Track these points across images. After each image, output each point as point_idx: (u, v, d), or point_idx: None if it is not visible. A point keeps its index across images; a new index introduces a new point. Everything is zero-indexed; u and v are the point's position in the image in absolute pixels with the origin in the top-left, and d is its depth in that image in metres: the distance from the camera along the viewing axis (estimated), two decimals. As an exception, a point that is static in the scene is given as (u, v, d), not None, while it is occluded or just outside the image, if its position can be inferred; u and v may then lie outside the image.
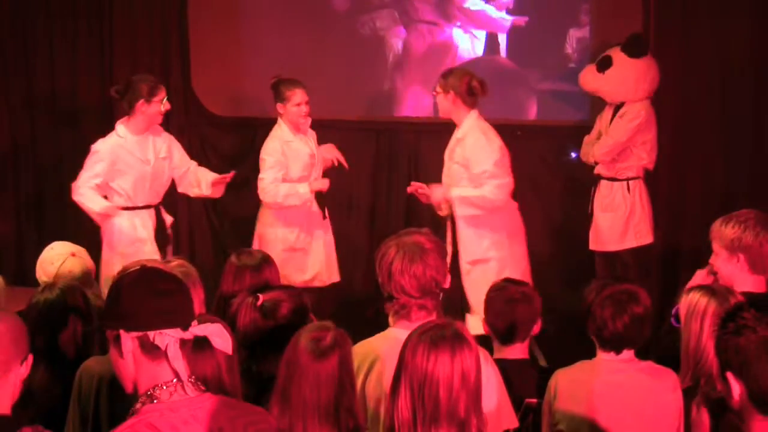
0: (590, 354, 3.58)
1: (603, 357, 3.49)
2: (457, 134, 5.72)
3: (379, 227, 7.33)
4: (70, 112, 7.61)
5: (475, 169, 5.61)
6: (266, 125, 6.16)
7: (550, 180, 7.21)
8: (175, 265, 3.83)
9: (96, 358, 3.56)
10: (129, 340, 2.29)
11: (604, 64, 6.29)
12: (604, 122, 6.41)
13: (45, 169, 7.67)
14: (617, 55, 6.27)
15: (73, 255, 4.61)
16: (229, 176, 5.98)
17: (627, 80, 6.24)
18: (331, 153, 6.22)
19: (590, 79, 6.38)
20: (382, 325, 3.97)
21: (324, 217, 6.21)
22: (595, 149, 6.29)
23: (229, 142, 7.66)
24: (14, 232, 7.65)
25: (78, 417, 3.46)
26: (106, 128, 7.52)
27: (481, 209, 5.65)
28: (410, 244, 3.14)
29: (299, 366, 2.82)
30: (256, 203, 6.19)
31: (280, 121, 6.05)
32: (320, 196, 6.13)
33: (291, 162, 6.00)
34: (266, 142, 6.05)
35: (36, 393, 3.48)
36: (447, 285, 3.20)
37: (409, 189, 5.93)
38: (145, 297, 2.30)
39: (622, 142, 6.21)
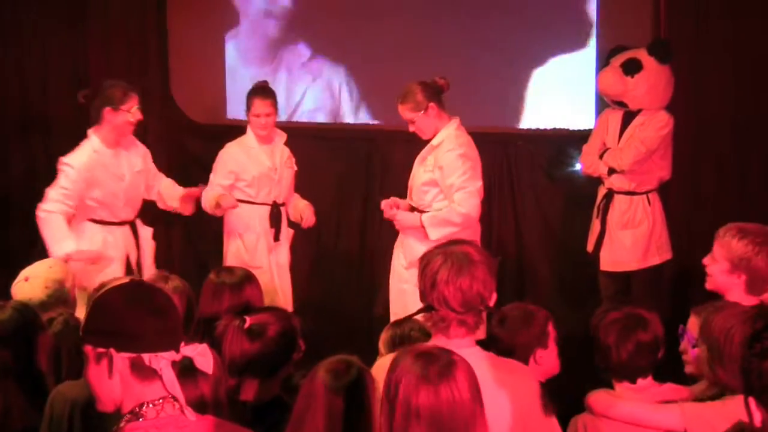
0: (593, 380, 3.53)
1: (618, 388, 3.44)
2: (433, 141, 5.74)
3: (369, 242, 7.25)
4: (41, 117, 7.52)
5: (445, 181, 5.63)
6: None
7: (552, 192, 7.19)
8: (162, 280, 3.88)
9: (69, 382, 3.54)
10: (120, 360, 2.27)
11: (633, 68, 6.24)
12: (612, 131, 6.37)
13: (13, 178, 7.55)
14: (647, 59, 6.25)
15: (26, 280, 4.47)
16: (197, 190, 6.04)
17: (657, 86, 6.25)
18: (302, 211, 6.29)
19: (614, 82, 6.29)
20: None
21: (276, 239, 6.23)
22: (621, 158, 6.20)
23: (210, 151, 7.55)
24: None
25: (49, 443, 3.43)
26: (79, 136, 7.47)
27: (454, 225, 5.61)
28: (458, 254, 3.06)
29: (315, 398, 2.84)
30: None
31: (247, 128, 6.23)
32: (275, 215, 6.21)
33: (244, 168, 6.14)
34: (228, 144, 6.26)
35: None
36: (492, 303, 3.11)
37: (383, 203, 5.89)
38: (142, 316, 2.27)
39: (653, 150, 6.18)
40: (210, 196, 6.06)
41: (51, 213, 5.60)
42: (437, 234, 5.50)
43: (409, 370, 2.50)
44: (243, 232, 6.15)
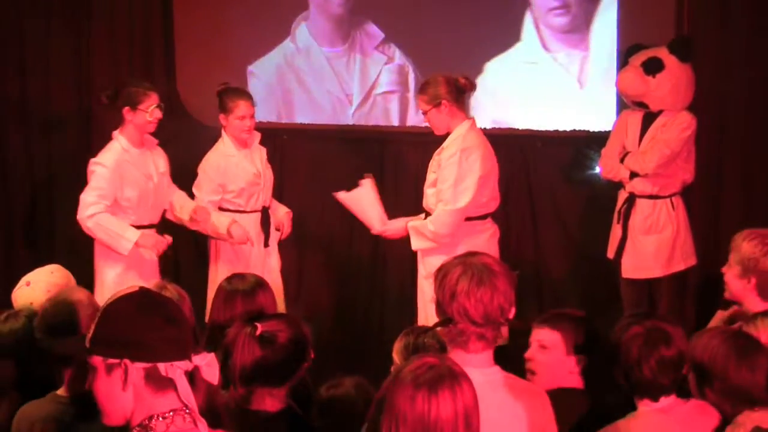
0: (613, 389, 3.47)
1: (640, 407, 3.32)
2: (444, 143, 5.75)
3: (383, 247, 7.21)
4: (43, 119, 7.52)
5: (438, 185, 5.69)
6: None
7: (571, 196, 7.14)
8: (159, 290, 3.77)
9: (34, 402, 3.49)
10: (135, 371, 2.26)
11: (655, 67, 6.15)
12: (632, 133, 6.29)
13: (15, 181, 7.53)
14: (668, 58, 6.17)
15: (28, 285, 4.47)
16: (205, 217, 5.96)
17: (679, 86, 6.16)
18: (281, 220, 6.29)
19: (634, 82, 6.20)
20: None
21: (266, 245, 6.19)
22: (645, 161, 6.12)
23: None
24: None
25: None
26: (83, 137, 7.48)
27: (426, 239, 5.70)
28: (478, 265, 3.06)
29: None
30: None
31: (223, 134, 6.13)
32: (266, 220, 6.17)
33: (231, 179, 6.08)
34: (207, 155, 6.17)
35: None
36: (511, 316, 3.09)
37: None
38: (156, 324, 2.28)
39: (677, 152, 6.12)
40: (213, 218, 5.97)
41: (95, 215, 5.62)
42: (417, 245, 5.74)
43: (403, 370, 2.53)
44: (236, 243, 6.04)
